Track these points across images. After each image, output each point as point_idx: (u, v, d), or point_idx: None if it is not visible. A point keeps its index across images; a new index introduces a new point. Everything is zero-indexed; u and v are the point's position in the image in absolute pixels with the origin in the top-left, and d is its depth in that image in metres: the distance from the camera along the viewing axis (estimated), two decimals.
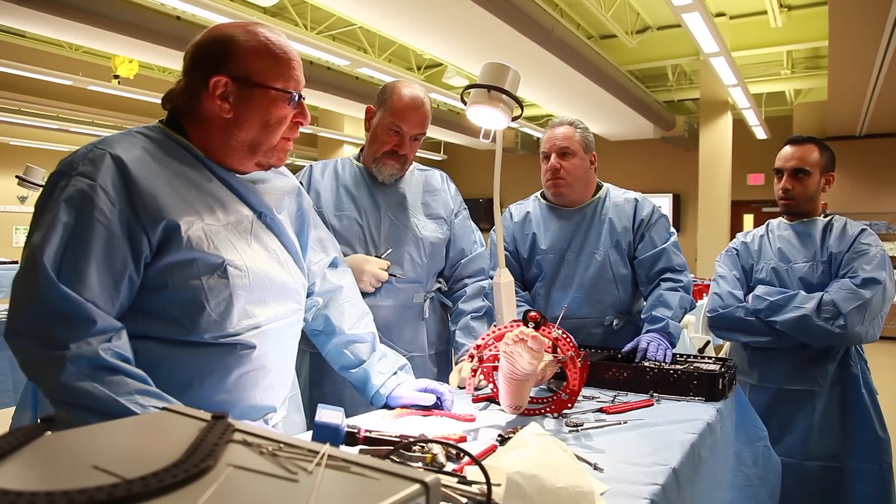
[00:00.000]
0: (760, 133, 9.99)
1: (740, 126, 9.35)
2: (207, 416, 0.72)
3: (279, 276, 1.19)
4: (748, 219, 11.53)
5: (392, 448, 0.95)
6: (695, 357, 1.82)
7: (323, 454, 0.61)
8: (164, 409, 0.76)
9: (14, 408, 2.56)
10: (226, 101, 1.12)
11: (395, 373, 1.46)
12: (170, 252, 1.04)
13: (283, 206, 1.30)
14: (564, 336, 1.32)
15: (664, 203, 11.48)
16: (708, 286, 2.28)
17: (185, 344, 1.07)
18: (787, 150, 2.17)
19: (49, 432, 0.67)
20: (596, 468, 1.03)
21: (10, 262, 7.30)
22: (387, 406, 1.42)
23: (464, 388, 1.57)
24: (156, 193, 1.04)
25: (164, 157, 1.11)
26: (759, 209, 11.40)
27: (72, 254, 0.97)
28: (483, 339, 1.35)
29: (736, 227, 10.36)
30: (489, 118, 1.51)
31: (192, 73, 1.14)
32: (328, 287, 1.45)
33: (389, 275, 1.76)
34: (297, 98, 1.17)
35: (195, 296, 1.06)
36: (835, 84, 7.13)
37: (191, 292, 1.06)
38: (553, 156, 2.04)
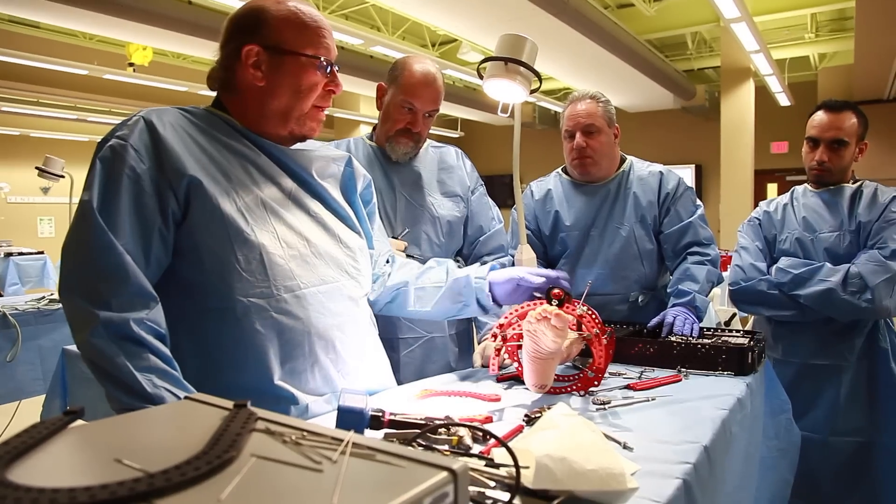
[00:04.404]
0: (784, 100, 9.75)
1: (762, 93, 9.13)
2: (229, 404, 0.71)
3: (321, 241, 1.21)
4: (772, 188, 11.30)
5: (418, 432, 0.93)
6: (722, 330, 1.78)
7: (347, 442, 0.60)
8: (186, 397, 0.76)
9: (44, 396, 2.60)
10: (258, 69, 1.16)
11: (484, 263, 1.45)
12: (197, 209, 1.08)
13: (329, 171, 1.31)
14: (589, 313, 1.30)
15: (686, 174, 11.28)
16: (731, 257, 2.22)
17: (230, 316, 1.09)
18: (823, 117, 2.06)
19: (74, 423, 0.66)
20: (625, 447, 1.01)
21: (35, 253, 7.42)
22: (496, 302, 1.37)
23: (487, 365, 1.56)
24: (180, 152, 1.09)
25: (200, 126, 1.16)
26: (783, 178, 11.18)
27: (106, 204, 1.03)
28: (506, 317, 1.33)
29: (759, 197, 10.15)
30: (507, 92, 1.47)
31: (227, 45, 1.19)
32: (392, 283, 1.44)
33: (407, 256, 1.74)
34: (327, 65, 1.20)
35: (227, 257, 1.08)
36: (862, 45, 6.91)
37: (222, 253, 1.08)
38: (578, 134, 1.99)
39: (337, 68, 1.23)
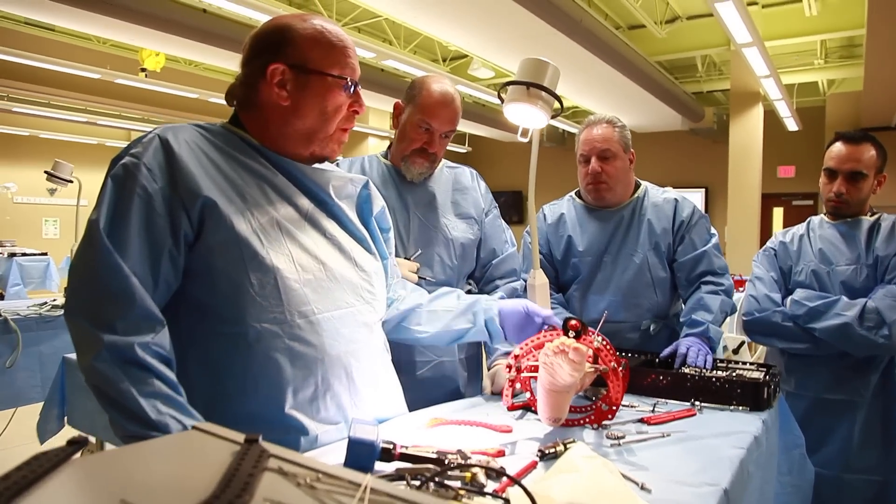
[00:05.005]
0: (791, 124, 9.76)
1: (770, 117, 9.13)
2: (240, 437, 0.68)
3: (336, 264, 1.18)
4: (778, 212, 11.30)
5: (435, 470, 0.90)
6: (736, 363, 1.75)
7: (365, 487, 0.57)
8: (193, 427, 0.73)
9: (41, 403, 2.56)
10: (283, 88, 1.14)
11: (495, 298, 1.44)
12: (210, 230, 1.05)
13: (346, 192, 1.29)
14: (606, 345, 1.27)
15: (697, 198, 11.24)
16: (739, 282, 2.18)
17: (242, 341, 1.06)
18: (841, 148, 2.02)
19: (77, 455, 0.63)
20: (643, 488, 0.98)
21: (39, 254, 7.42)
22: (503, 328, 1.36)
23: (497, 392, 1.53)
24: (195, 172, 1.06)
25: (217, 144, 1.13)
26: (790, 202, 11.18)
27: (115, 224, 1.01)
28: (521, 347, 1.30)
29: (766, 220, 10.15)
30: (528, 116, 1.45)
31: (251, 63, 1.17)
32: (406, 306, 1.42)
33: (419, 277, 1.71)
34: (352, 86, 1.18)
35: (240, 280, 1.05)
36: (871, 73, 6.92)
37: (235, 276, 1.05)
38: (593, 159, 1.96)
39: (361, 88, 1.21)
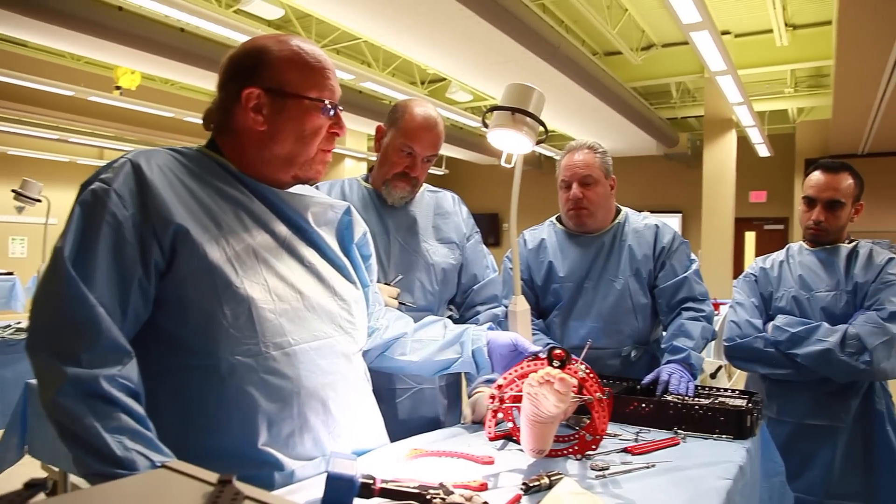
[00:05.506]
0: (763, 150, 9.99)
1: (742, 143, 9.35)
2: (212, 477, 0.64)
3: (314, 293, 1.13)
4: (750, 236, 11.52)
5: None
6: (718, 389, 1.74)
7: None
8: (162, 466, 0.69)
9: (2, 431, 2.46)
10: (259, 113, 1.10)
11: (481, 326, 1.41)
12: (183, 259, 1.01)
13: (326, 218, 1.24)
14: (590, 374, 1.25)
15: (675, 223, 11.36)
16: (714, 305, 2.17)
17: (214, 374, 1.01)
18: (820, 177, 2.05)
19: (36, 498, 0.59)
20: None
21: (4, 274, 7.22)
22: (490, 359, 1.34)
23: (477, 421, 1.50)
24: (168, 199, 1.02)
25: (192, 170, 1.09)
26: (761, 227, 11.40)
27: (81, 253, 0.96)
28: (505, 377, 1.27)
29: (738, 244, 10.32)
30: (513, 142, 1.44)
31: (226, 87, 1.12)
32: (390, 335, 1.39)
33: (399, 303, 1.67)
34: (331, 108, 1.14)
35: (213, 311, 1.01)
36: (840, 102, 7.13)
37: (208, 306, 1.01)
38: (575, 185, 1.95)
39: (341, 109, 1.17)
